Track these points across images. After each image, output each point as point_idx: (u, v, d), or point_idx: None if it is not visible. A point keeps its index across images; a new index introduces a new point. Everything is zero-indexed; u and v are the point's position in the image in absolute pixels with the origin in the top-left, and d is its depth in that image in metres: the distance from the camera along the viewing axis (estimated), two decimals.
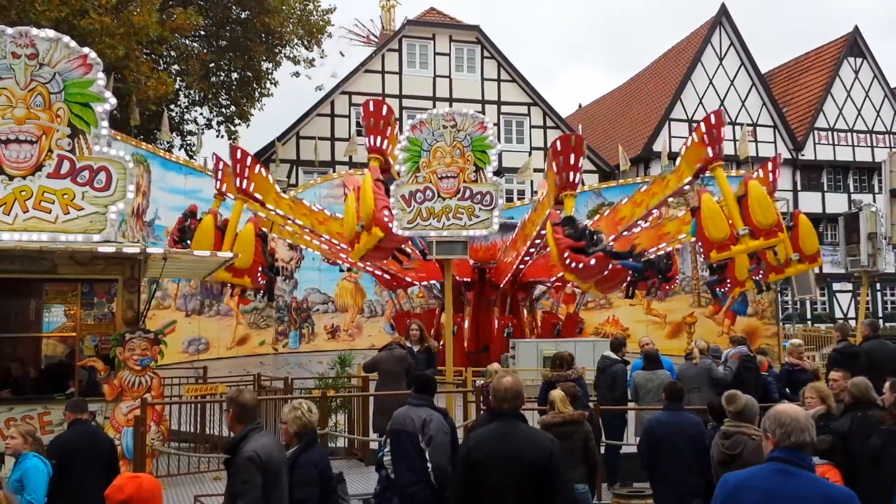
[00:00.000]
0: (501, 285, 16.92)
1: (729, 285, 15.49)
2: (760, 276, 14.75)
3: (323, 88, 30.49)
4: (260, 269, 13.78)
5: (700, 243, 12.46)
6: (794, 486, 3.10)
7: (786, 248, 13.25)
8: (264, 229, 14.58)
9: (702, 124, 12.46)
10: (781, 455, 3.19)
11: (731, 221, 11.60)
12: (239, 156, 13.67)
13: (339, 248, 15.64)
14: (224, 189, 14.36)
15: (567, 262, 11.31)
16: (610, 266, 11.47)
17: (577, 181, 12.09)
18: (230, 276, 13.20)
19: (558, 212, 12.26)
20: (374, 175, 11.93)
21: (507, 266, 16.46)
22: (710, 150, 12.09)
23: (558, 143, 12.35)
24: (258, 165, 14.28)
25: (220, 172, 14.66)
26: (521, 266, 16.01)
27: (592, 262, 11.21)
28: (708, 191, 12.28)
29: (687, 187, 12.99)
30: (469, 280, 17.24)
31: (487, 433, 4.30)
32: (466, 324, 17.14)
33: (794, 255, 13.52)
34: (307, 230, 15.38)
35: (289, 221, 15.07)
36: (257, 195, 13.75)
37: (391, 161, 12.74)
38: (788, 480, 3.12)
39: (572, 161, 12.06)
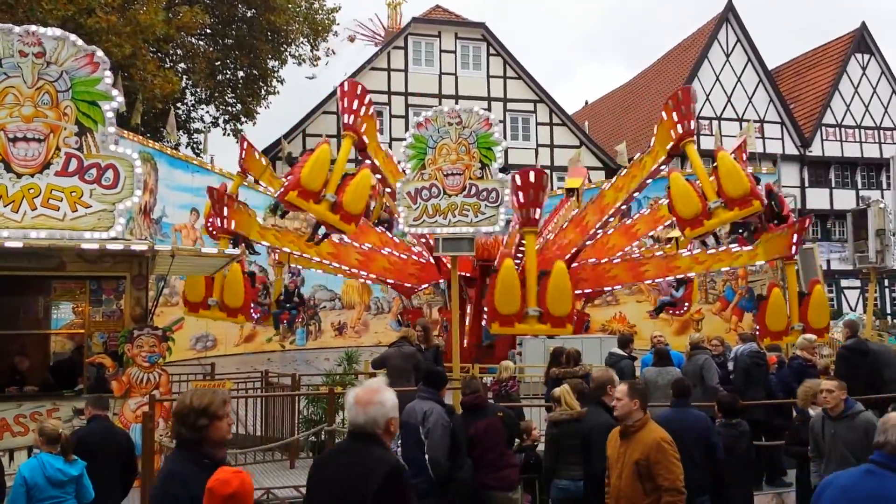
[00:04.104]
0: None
1: (686, 308, 15.66)
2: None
3: (315, 77, 30.61)
4: (253, 304, 13.91)
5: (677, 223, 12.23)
6: (873, 484, 3.17)
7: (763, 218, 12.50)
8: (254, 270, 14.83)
9: (670, 101, 12.29)
10: (874, 457, 3.29)
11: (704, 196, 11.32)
12: (359, 91, 12.73)
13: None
14: (246, 167, 14.57)
15: None
16: None
17: (538, 217, 11.75)
18: (225, 315, 13.59)
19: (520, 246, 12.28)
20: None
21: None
22: (679, 126, 11.97)
23: (517, 177, 11.77)
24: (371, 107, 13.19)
25: (243, 152, 14.92)
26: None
27: None
28: (678, 171, 12.12)
29: (663, 167, 12.95)
30: (470, 276, 17.13)
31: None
32: (468, 320, 17.05)
33: (797, 324, 12.91)
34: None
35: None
36: (365, 139, 13.12)
37: (366, 139, 12.87)
38: (868, 479, 3.20)
39: (532, 197, 11.64)
